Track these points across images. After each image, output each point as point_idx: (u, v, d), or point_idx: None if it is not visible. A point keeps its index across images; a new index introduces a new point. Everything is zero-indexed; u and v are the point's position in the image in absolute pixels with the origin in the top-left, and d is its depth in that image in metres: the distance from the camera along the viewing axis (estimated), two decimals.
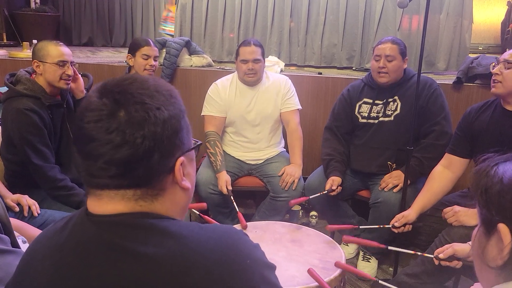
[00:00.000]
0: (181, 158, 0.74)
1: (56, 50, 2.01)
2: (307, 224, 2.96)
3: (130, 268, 0.66)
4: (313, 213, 3.05)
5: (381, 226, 2.13)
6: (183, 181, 0.75)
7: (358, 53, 3.72)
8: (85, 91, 2.27)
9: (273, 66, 3.27)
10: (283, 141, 2.83)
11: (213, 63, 3.53)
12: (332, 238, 1.94)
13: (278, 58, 3.66)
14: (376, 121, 2.45)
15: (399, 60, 2.37)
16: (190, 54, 3.42)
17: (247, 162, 2.72)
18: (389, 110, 2.43)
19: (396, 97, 2.43)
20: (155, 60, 2.50)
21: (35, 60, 2.01)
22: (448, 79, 3.06)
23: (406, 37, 3.55)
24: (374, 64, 2.41)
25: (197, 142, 0.69)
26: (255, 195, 3.09)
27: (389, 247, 1.88)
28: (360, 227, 2.27)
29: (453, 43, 3.46)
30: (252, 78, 2.58)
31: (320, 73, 3.34)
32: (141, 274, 0.65)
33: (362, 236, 2.56)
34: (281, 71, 3.34)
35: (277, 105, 2.66)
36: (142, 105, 0.69)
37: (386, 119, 2.43)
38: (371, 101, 2.48)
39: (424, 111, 2.35)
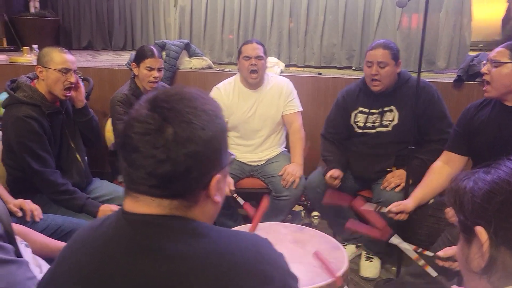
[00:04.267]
0: (217, 176, 0.77)
1: (60, 57, 2.01)
2: (309, 225, 2.95)
3: (159, 265, 0.70)
4: (315, 213, 3.05)
5: (378, 209, 2.10)
6: (215, 196, 0.78)
7: (358, 53, 3.71)
8: (85, 100, 2.28)
9: (273, 67, 3.27)
10: (285, 142, 2.83)
11: (212, 65, 3.53)
12: (335, 239, 1.93)
13: (278, 59, 3.66)
14: (373, 131, 2.42)
15: (391, 66, 2.31)
16: (189, 56, 3.42)
17: (249, 163, 2.72)
18: (385, 120, 2.40)
19: (392, 107, 2.39)
20: (159, 71, 2.49)
21: (38, 66, 2.01)
22: (449, 78, 3.06)
23: (406, 36, 3.55)
24: (366, 70, 2.36)
25: (232, 155, 0.71)
26: (257, 196, 3.08)
27: (392, 238, 1.83)
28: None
29: (453, 41, 3.45)
30: (254, 80, 2.59)
31: (320, 74, 3.33)
32: (169, 270, 0.69)
33: (362, 239, 2.56)
34: (281, 72, 3.34)
35: (279, 107, 2.67)
36: (189, 124, 0.72)
37: (384, 129, 2.40)
38: (367, 110, 2.44)
39: (424, 121, 2.31)
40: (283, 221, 2.48)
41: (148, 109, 0.73)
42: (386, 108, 2.40)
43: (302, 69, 3.77)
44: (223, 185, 0.81)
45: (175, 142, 0.71)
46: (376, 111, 2.42)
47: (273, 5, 3.88)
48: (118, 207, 2.05)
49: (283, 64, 3.51)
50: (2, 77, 2.77)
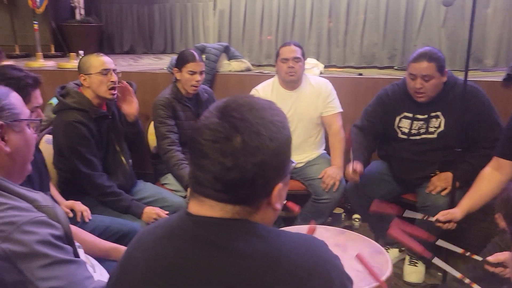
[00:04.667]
0: (280, 185, 0.79)
1: (98, 60, 2.10)
2: (350, 227, 2.92)
3: (222, 261, 0.74)
4: (356, 216, 3.01)
5: (425, 218, 2.03)
6: (276, 203, 0.80)
7: (400, 52, 3.63)
8: (137, 114, 2.36)
9: (312, 68, 3.25)
10: (324, 144, 2.81)
11: (251, 67, 3.54)
12: (377, 242, 1.90)
13: (317, 59, 3.63)
14: (418, 137, 2.34)
15: (437, 78, 2.16)
16: (229, 59, 3.45)
17: None
18: (431, 127, 2.31)
19: (438, 113, 2.28)
20: (201, 74, 2.52)
21: (81, 74, 2.10)
22: (497, 76, 2.93)
23: (451, 34, 3.43)
24: (410, 83, 2.21)
25: (293, 162, 0.76)
26: (297, 198, 3.07)
27: (435, 259, 1.78)
28: (404, 215, 2.10)
29: (502, 38, 3.31)
30: (292, 77, 2.58)
31: (361, 74, 3.28)
32: (231, 267, 0.73)
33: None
34: (321, 73, 3.31)
35: (317, 109, 2.65)
36: (257, 135, 0.74)
37: (429, 136, 2.31)
38: (411, 115, 2.34)
39: (474, 131, 2.21)
40: (323, 224, 2.46)
41: (218, 118, 0.76)
42: (432, 114, 2.30)
43: (342, 69, 3.72)
44: (283, 193, 0.83)
45: (243, 151, 0.73)
46: (422, 117, 2.32)
47: (312, 5, 3.85)
48: (162, 210, 2.11)
49: (322, 65, 3.48)
50: (52, 83, 2.90)
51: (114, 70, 2.14)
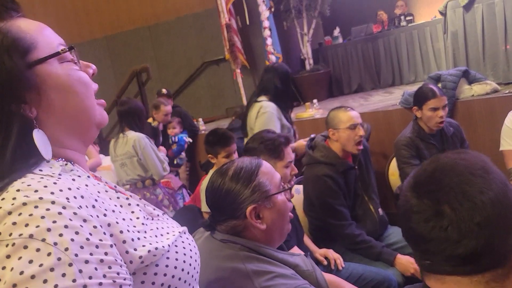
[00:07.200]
0: None
1: (346, 115, 2.17)
2: None
3: None
4: None
5: None
6: None
7: None
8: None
9: None
10: None
11: (499, 87, 3.10)
12: None
13: None
14: None
15: None
16: (469, 83, 3.11)
17: None
18: None
19: None
20: (444, 109, 2.36)
21: (330, 129, 2.21)
22: None
23: None
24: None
25: None
26: None
27: None
28: None
29: None
30: None
31: None
32: None
33: None
34: None
35: None
36: (464, 195, 0.69)
37: None
38: None
39: None
40: None
41: (416, 197, 0.72)
42: None
43: None
44: None
45: (460, 218, 0.67)
46: None
47: None
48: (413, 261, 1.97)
49: None
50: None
51: (361, 124, 2.19)
